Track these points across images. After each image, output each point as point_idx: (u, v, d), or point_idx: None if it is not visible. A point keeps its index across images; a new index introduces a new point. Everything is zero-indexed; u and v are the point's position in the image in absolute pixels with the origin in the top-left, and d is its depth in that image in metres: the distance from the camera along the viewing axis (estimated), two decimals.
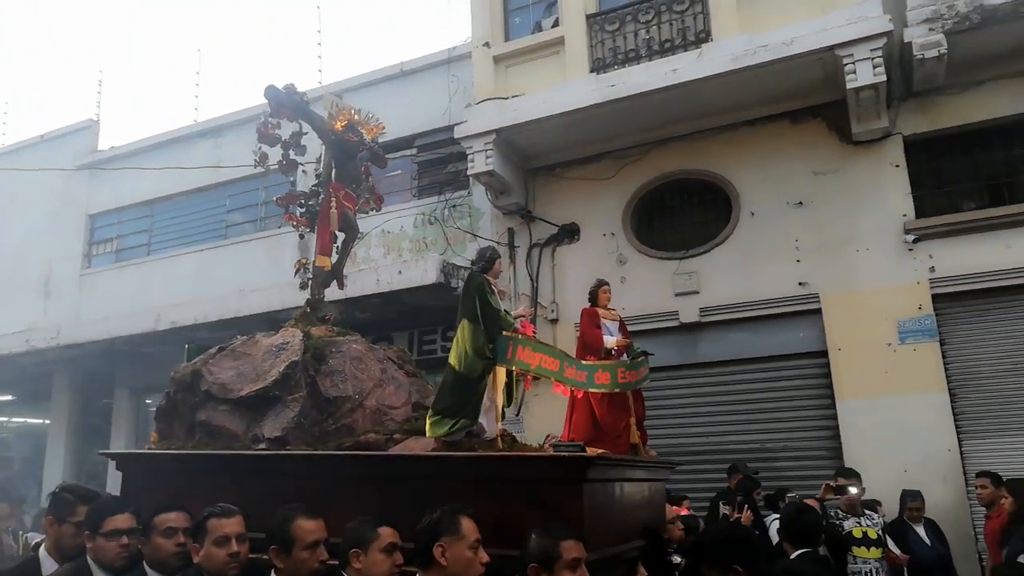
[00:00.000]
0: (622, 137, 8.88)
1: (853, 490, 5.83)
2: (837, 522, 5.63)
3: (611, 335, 4.80)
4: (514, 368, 3.75)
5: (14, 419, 15.52)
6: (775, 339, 8.13)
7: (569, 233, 9.29)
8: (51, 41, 44.75)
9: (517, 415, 8.69)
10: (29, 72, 42.81)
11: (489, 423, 3.73)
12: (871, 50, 7.17)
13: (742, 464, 7.20)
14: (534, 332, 4.12)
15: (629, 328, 8.51)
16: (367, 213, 5.70)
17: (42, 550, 3.50)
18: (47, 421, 13.59)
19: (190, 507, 3.25)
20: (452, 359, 3.79)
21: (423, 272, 8.56)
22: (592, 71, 8.62)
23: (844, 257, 7.87)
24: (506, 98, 8.94)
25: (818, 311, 7.92)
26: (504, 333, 3.68)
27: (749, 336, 8.26)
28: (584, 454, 3.39)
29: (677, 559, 4.37)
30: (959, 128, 7.74)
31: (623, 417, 4.52)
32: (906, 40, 7.30)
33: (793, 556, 3.72)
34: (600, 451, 3.84)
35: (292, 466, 3.78)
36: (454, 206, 10.17)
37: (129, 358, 11.75)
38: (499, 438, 3.66)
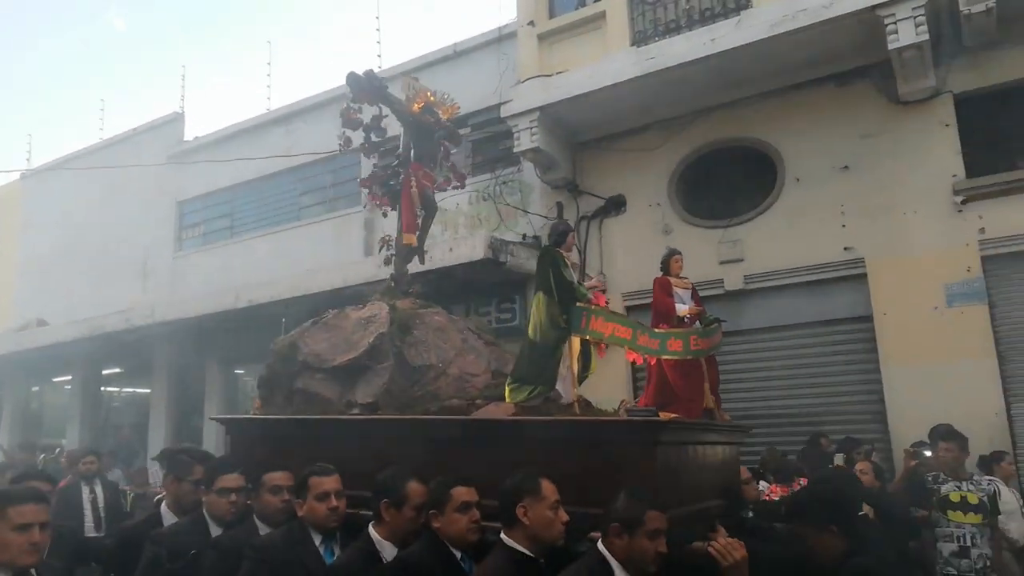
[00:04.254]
0: (665, 108, 8.93)
1: (927, 453, 5.75)
2: (935, 486, 5.32)
3: (683, 303, 4.89)
4: (587, 337, 3.85)
5: (124, 390, 16.99)
6: (820, 305, 8.13)
7: (616, 205, 9.47)
8: (138, 40, 47.46)
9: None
10: (120, 70, 45.63)
11: (566, 390, 3.86)
12: (912, 8, 7.02)
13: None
14: (606, 303, 4.20)
15: None
16: (447, 190, 6.03)
17: (163, 505, 4.01)
18: (150, 391, 14.86)
19: (289, 467, 3.55)
20: (530, 330, 3.94)
21: (472, 248, 8.92)
22: (633, 44, 8.72)
23: (891, 220, 7.76)
24: (550, 75, 9.14)
25: (864, 276, 7.87)
26: (578, 304, 3.79)
27: (794, 302, 8.28)
28: (656, 418, 3.51)
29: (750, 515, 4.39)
30: (1013, 84, 7.46)
31: (697, 382, 4.59)
32: None
33: None
34: (672, 415, 3.93)
35: (385, 429, 4.02)
36: (505, 183, 10.48)
37: (217, 333, 12.68)
38: (575, 403, 3.79)
